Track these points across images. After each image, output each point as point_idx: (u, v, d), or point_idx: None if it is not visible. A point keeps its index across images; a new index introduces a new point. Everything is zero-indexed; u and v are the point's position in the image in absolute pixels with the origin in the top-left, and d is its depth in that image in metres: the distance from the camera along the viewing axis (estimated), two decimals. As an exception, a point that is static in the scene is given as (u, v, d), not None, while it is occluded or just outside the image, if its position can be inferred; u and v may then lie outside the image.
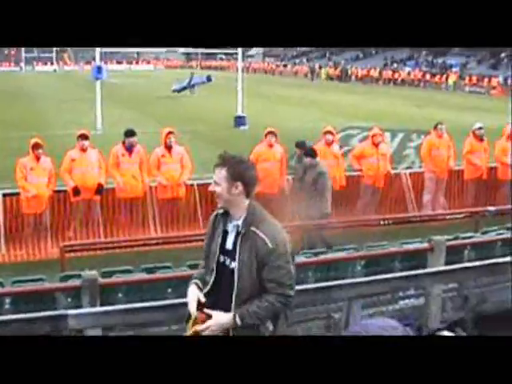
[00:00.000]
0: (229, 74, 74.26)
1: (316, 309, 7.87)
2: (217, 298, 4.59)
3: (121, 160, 12.48)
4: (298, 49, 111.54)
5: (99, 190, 12.23)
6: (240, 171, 4.51)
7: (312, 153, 11.47)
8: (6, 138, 24.77)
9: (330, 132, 13.78)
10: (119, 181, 12.41)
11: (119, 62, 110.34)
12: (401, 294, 8.47)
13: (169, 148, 12.60)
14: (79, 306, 6.62)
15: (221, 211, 4.66)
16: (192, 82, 49.46)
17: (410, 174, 15.17)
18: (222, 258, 4.61)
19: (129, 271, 8.06)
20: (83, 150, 12.14)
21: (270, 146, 13.16)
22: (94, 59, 36.71)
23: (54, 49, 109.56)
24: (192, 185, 12.95)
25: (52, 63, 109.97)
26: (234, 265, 4.51)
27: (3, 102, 39.10)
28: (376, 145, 13.96)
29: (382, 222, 12.06)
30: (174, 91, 48.25)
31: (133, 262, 9.08)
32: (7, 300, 7.01)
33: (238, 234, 4.54)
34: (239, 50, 32.54)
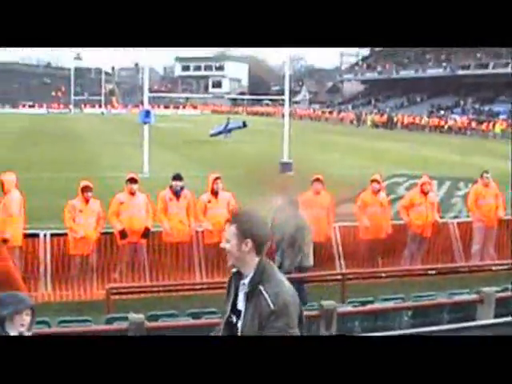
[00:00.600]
0: (274, 120, 74.70)
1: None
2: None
3: (169, 204, 12.60)
4: (344, 96, 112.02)
5: (146, 233, 12.32)
6: (250, 228, 4.30)
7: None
8: (54, 178, 25.18)
9: (376, 181, 13.75)
10: (166, 225, 12.50)
11: (166, 107, 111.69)
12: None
13: (215, 194, 12.66)
14: None
15: (235, 270, 4.46)
16: (228, 127, 50.40)
17: (458, 224, 14.96)
18: (231, 318, 4.42)
19: (175, 315, 8.06)
20: (132, 193, 12.27)
21: (317, 193, 13.16)
22: (141, 103, 37.20)
23: (103, 92, 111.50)
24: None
25: (100, 106, 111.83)
26: (239, 324, 4.33)
27: (52, 143, 39.82)
28: (425, 193, 13.84)
29: (429, 272, 11.91)
30: (212, 135, 49.40)
31: (177, 306, 9.09)
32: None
33: (246, 292, 4.35)
34: (286, 96, 32.70)
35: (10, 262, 11.46)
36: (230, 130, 50.68)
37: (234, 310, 4.39)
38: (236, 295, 4.41)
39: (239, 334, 4.27)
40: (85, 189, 11.97)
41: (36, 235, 12.43)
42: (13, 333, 5.18)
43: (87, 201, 11.99)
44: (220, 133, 50.23)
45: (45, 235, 12.42)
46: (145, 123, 28.27)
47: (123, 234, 12.14)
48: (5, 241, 11.54)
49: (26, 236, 12.12)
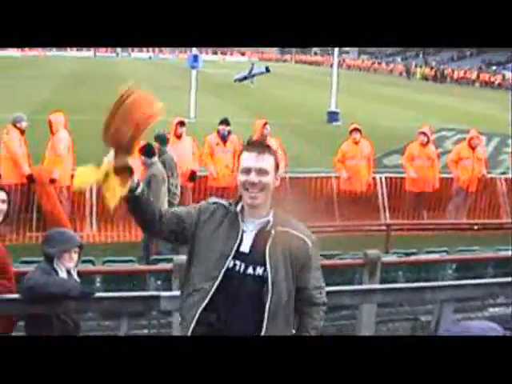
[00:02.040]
0: (323, 70, 73.98)
1: (404, 310, 7.77)
2: (227, 313, 3.68)
3: (215, 149, 12.59)
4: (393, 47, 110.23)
5: (192, 176, 12.35)
6: (279, 163, 3.80)
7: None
8: (98, 120, 25.28)
9: (424, 133, 13.56)
10: (212, 169, 12.51)
11: (214, 53, 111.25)
12: (491, 301, 8.26)
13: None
14: (168, 289, 6.66)
15: (224, 203, 3.83)
16: (252, 72, 50.18)
17: (506, 180, 14.77)
18: (232, 263, 3.68)
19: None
20: (178, 136, 12.26)
21: (356, 143, 13.07)
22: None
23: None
24: (284, 178, 12.89)
25: (148, 50, 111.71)
26: (260, 271, 3.66)
27: (98, 87, 39.91)
28: (473, 148, 13.62)
29: (474, 227, 11.79)
30: (236, 80, 49.24)
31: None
32: (98, 279, 7.13)
33: (257, 235, 3.72)
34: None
35: (57, 201, 11.63)
36: (253, 75, 50.48)
37: (236, 255, 3.69)
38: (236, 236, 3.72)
39: (269, 284, 3.65)
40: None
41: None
42: (61, 270, 5.27)
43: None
44: (245, 78, 50.21)
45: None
46: (192, 68, 28.15)
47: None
48: (53, 180, 11.68)
49: (72, 176, 12.24)
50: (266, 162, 3.65)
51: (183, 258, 7.08)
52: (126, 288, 6.76)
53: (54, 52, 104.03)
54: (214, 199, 3.91)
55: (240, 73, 51.46)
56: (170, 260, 7.14)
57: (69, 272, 5.31)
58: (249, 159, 3.66)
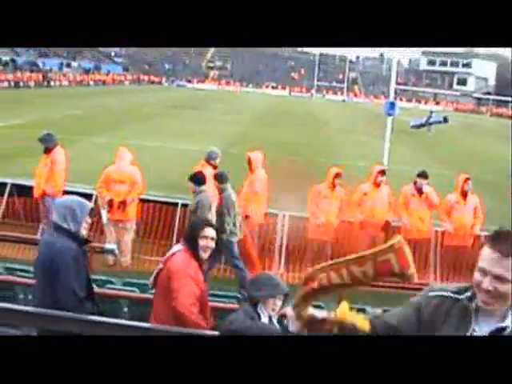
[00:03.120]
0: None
1: None
2: None
3: (410, 200, 12.33)
4: None
5: (386, 226, 12.16)
6: None
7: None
8: (293, 160, 25.63)
9: None
10: (406, 221, 12.24)
11: (409, 100, 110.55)
12: None
13: (464, 194, 12.19)
14: None
15: (451, 295, 3.28)
16: (430, 121, 49.13)
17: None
18: None
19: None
20: (377, 184, 12.14)
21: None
22: (384, 94, 36.99)
23: (346, 79, 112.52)
24: (479, 236, 12.36)
25: (342, 93, 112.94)
26: None
27: (292, 126, 40.60)
28: None
29: None
30: (413, 127, 48.34)
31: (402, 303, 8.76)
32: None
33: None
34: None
35: (249, 237, 11.76)
36: (431, 124, 49.52)
37: None
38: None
39: None
40: (336, 176, 12.03)
41: (274, 215, 12.68)
42: (264, 315, 5.22)
43: (334, 187, 12.02)
44: (421, 125, 49.42)
45: (284, 216, 12.63)
46: (389, 115, 27.96)
47: (363, 225, 12.05)
48: (246, 217, 11.83)
49: (267, 214, 12.37)
50: (507, 268, 3.03)
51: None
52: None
53: (249, 88, 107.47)
54: (437, 291, 3.35)
55: (416, 119, 50.89)
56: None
57: (270, 318, 5.26)
58: (487, 259, 3.09)
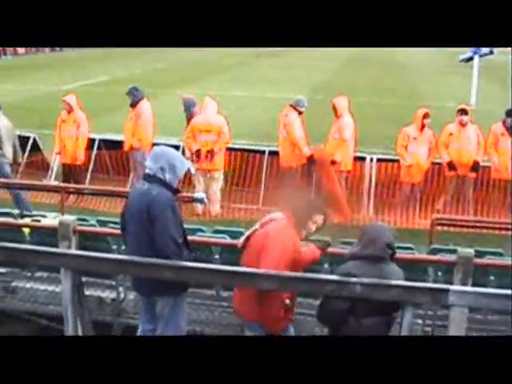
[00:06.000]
0: None
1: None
2: None
3: (500, 139, 12.11)
4: None
5: (475, 167, 12.00)
6: None
7: None
8: (379, 104, 25.41)
9: None
10: (495, 160, 12.05)
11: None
12: None
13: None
14: (449, 282, 6.33)
15: None
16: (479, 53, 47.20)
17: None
18: None
19: (500, 254, 7.65)
20: (462, 124, 11.99)
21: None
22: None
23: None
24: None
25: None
26: None
27: (377, 70, 39.99)
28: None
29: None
30: (461, 61, 46.47)
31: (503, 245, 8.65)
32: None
33: None
34: None
35: (337, 182, 11.82)
36: (481, 56, 47.56)
37: None
38: None
39: None
40: (425, 116, 12.01)
41: (362, 158, 12.67)
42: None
43: (423, 128, 11.99)
44: (470, 58, 47.40)
45: (371, 159, 12.63)
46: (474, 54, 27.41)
47: (451, 166, 11.99)
48: (333, 162, 11.89)
49: (354, 159, 12.37)
50: None
51: (468, 251, 6.80)
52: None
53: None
54: None
55: (465, 53, 48.93)
56: (453, 251, 6.90)
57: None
58: None
